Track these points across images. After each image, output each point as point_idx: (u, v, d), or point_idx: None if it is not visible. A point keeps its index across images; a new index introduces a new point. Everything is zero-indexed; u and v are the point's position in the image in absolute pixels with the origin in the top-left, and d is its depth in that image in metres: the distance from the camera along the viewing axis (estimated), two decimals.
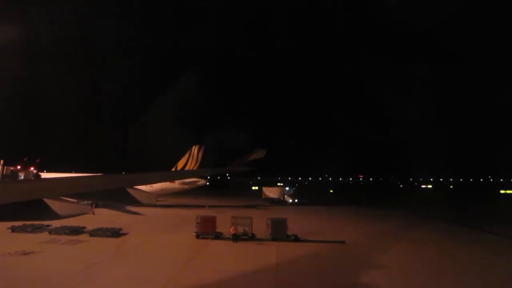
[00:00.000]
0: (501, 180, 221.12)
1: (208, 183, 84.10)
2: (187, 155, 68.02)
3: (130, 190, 9.34)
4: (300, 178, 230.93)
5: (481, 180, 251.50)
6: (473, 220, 54.00)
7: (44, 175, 50.19)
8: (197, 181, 67.56)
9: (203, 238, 34.96)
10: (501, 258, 31.08)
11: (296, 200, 77.02)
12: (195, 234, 35.49)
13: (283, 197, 77.94)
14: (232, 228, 34.46)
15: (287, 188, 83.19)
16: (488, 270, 27.03)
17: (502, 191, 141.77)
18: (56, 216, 8.06)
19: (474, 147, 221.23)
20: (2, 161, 38.45)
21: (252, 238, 34.99)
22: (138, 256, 28.80)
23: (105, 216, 39.83)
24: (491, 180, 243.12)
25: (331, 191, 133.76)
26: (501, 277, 25.32)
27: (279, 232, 35.08)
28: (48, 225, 36.79)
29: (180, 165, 67.55)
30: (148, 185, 27.81)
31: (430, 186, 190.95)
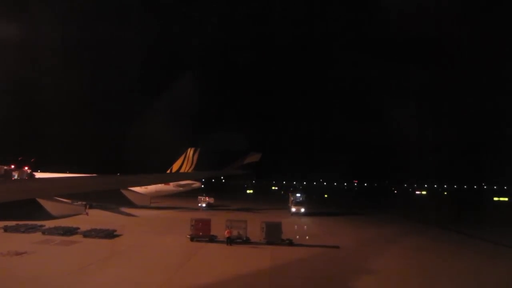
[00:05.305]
0: (495, 187, 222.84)
1: (203, 186, 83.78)
2: (182, 157, 67.90)
3: (124, 192, 9.30)
4: (294, 183, 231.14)
5: (475, 187, 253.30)
6: (464, 226, 54.28)
7: (39, 175, 49.80)
8: (192, 184, 67.46)
9: (197, 240, 34.89)
10: (491, 262, 31.37)
11: (302, 210, 61.74)
12: (189, 236, 35.41)
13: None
14: (226, 231, 34.43)
15: (297, 195, 68.28)
16: (478, 273, 27.25)
17: (495, 198, 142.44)
18: (50, 217, 8.04)
19: (468, 154, 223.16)
20: None
21: (246, 241, 34.96)
22: (131, 258, 28.67)
23: (99, 217, 39.69)
24: (485, 187, 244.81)
25: (326, 195, 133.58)
26: (491, 280, 25.55)
27: (273, 236, 35.06)
28: (41, 226, 36.58)
29: (175, 167, 67.36)
30: (143, 187, 27.76)
31: (424, 192, 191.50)
